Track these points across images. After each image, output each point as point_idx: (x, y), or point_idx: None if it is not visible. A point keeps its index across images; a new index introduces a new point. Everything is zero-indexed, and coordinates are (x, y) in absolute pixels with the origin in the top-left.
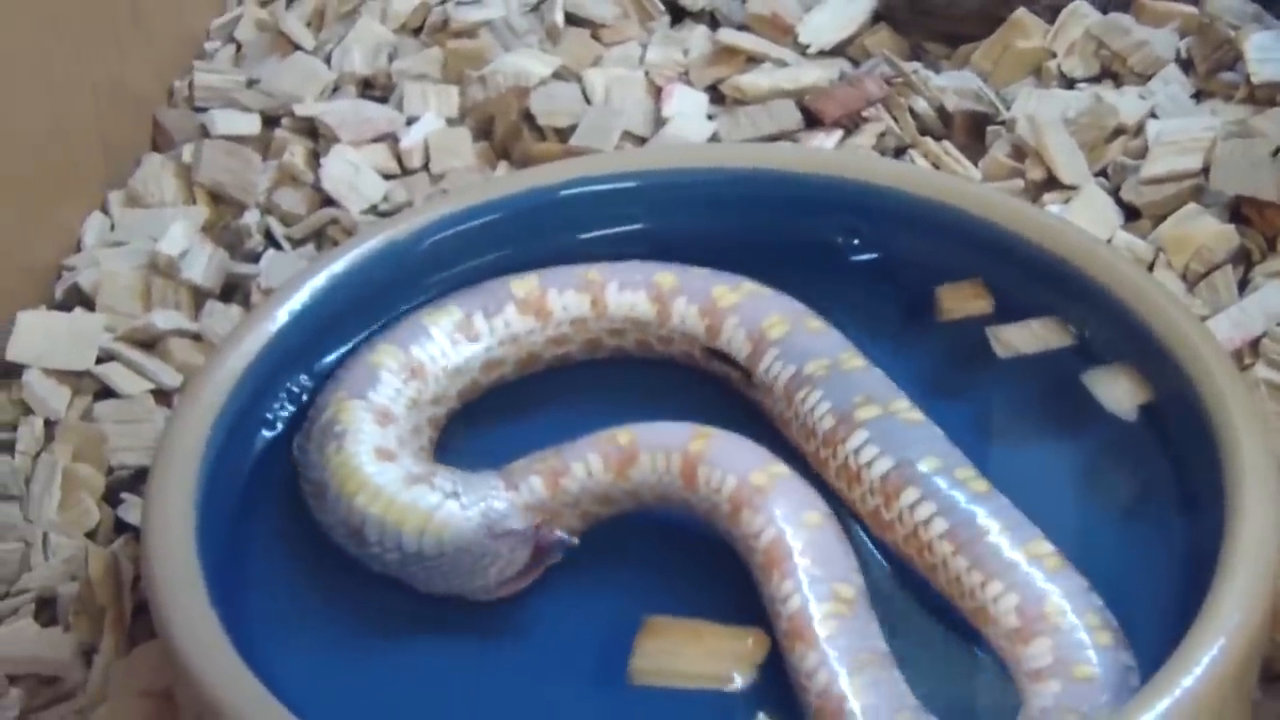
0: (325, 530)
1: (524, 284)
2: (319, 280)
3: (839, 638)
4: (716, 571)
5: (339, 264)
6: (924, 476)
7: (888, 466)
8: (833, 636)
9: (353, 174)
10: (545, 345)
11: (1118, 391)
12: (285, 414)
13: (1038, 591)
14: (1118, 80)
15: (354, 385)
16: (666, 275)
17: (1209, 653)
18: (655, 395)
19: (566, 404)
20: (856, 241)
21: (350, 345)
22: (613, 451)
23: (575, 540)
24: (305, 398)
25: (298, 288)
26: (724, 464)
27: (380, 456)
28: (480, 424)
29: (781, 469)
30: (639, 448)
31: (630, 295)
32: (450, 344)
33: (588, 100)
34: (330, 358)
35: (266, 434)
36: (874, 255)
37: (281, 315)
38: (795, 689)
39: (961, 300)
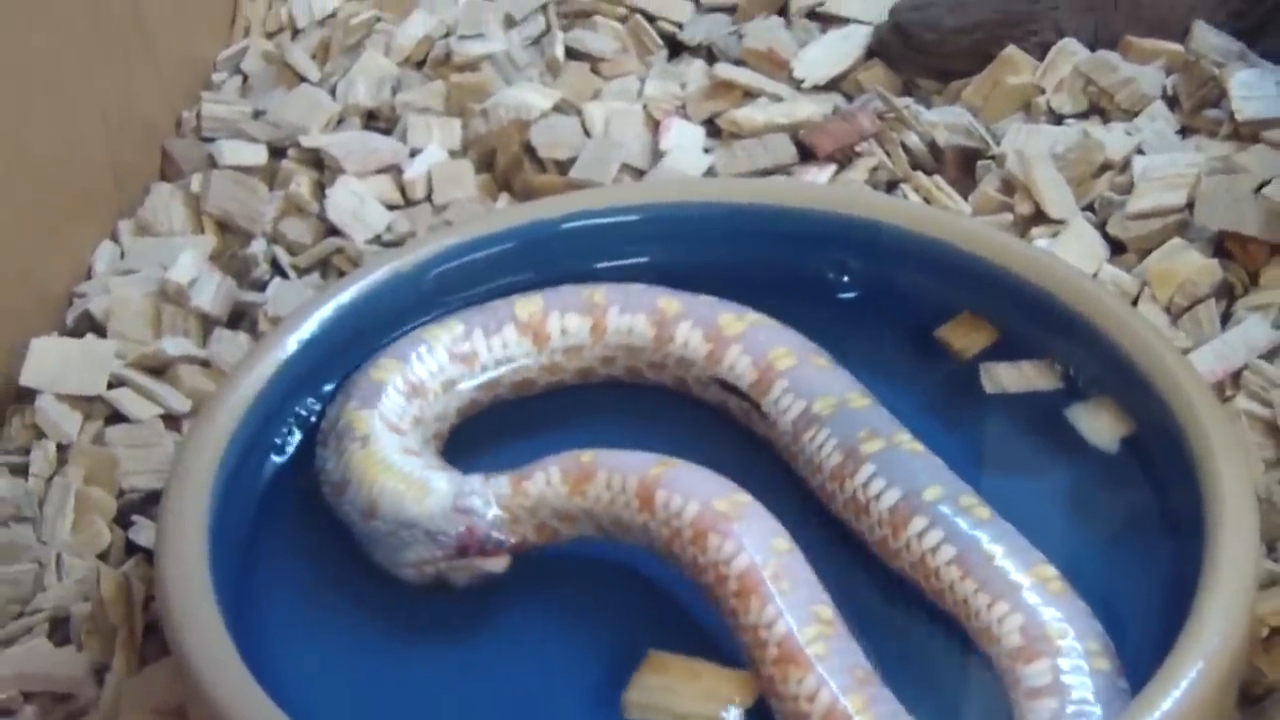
0: (340, 516)
1: (528, 305)
2: (326, 310)
3: (831, 657)
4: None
5: (346, 294)
6: (930, 505)
7: (895, 498)
8: (825, 656)
9: (357, 204)
10: (539, 372)
11: (1100, 425)
12: (295, 436)
13: (1042, 613)
14: (1105, 116)
15: (364, 397)
16: (671, 301)
17: (1189, 675)
18: (676, 421)
19: (577, 426)
20: (846, 277)
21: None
22: (573, 467)
23: (508, 540)
24: (316, 417)
25: (306, 316)
26: (685, 490)
27: (406, 453)
28: (486, 443)
29: (744, 497)
30: (597, 466)
31: (630, 318)
32: (449, 360)
33: (587, 133)
34: (336, 383)
35: (276, 458)
36: (865, 289)
37: (291, 344)
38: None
39: (967, 335)
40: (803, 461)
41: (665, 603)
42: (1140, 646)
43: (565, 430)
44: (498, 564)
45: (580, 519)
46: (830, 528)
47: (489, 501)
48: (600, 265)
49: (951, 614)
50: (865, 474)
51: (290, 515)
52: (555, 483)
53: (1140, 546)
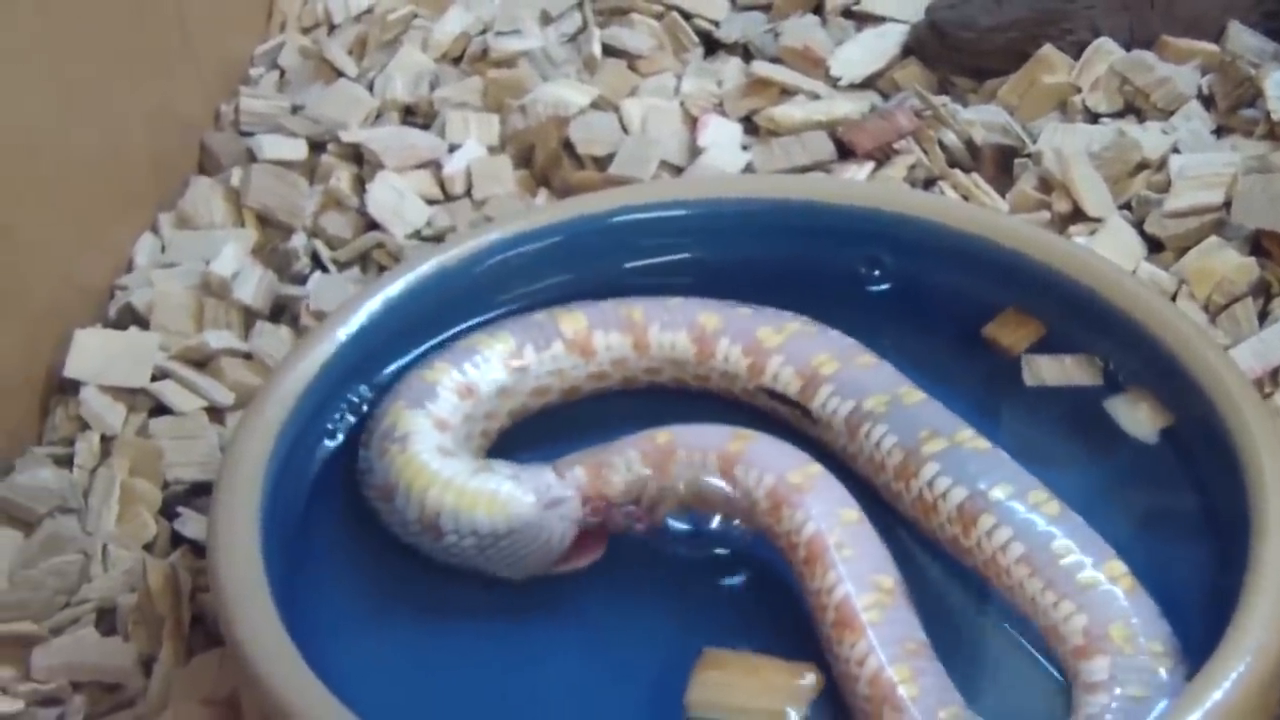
0: (396, 531)
1: (572, 322)
2: (375, 304)
3: (885, 626)
4: (776, 607)
5: (394, 288)
6: (998, 503)
7: (962, 496)
8: (879, 624)
9: (397, 199)
10: (586, 380)
11: (1141, 418)
12: (344, 428)
13: (1106, 614)
14: (1141, 115)
15: (412, 396)
16: (710, 316)
17: (1235, 671)
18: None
19: (623, 426)
20: (885, 274)
21: (402, 362)
22: (650, 449)
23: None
24: (364, 409)
25: (355, 309)
26: (761, 463)
27: (442, 454)
28: (534, 441)
29: (817, 468)
30: (676, 445)
31: (671, 335)
32: (503, 369)
33: (625, 130)
34: (383, 375)
35: (327, 446)
36: (905, 286)
37: (340, 335)
38: (843, 684)
39: (1013, 331)
40: (863, 462)
41: (720, 600)
42: (1184, 641)
43: (611, 429)
44: (596, 552)
45: (661, 496)
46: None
47: (571, 489)
48: (641, 263)
49: (1021, 612)
50: (929, 473)
51: (341, 507)
52: (636, 466)
53: (1182, 542)
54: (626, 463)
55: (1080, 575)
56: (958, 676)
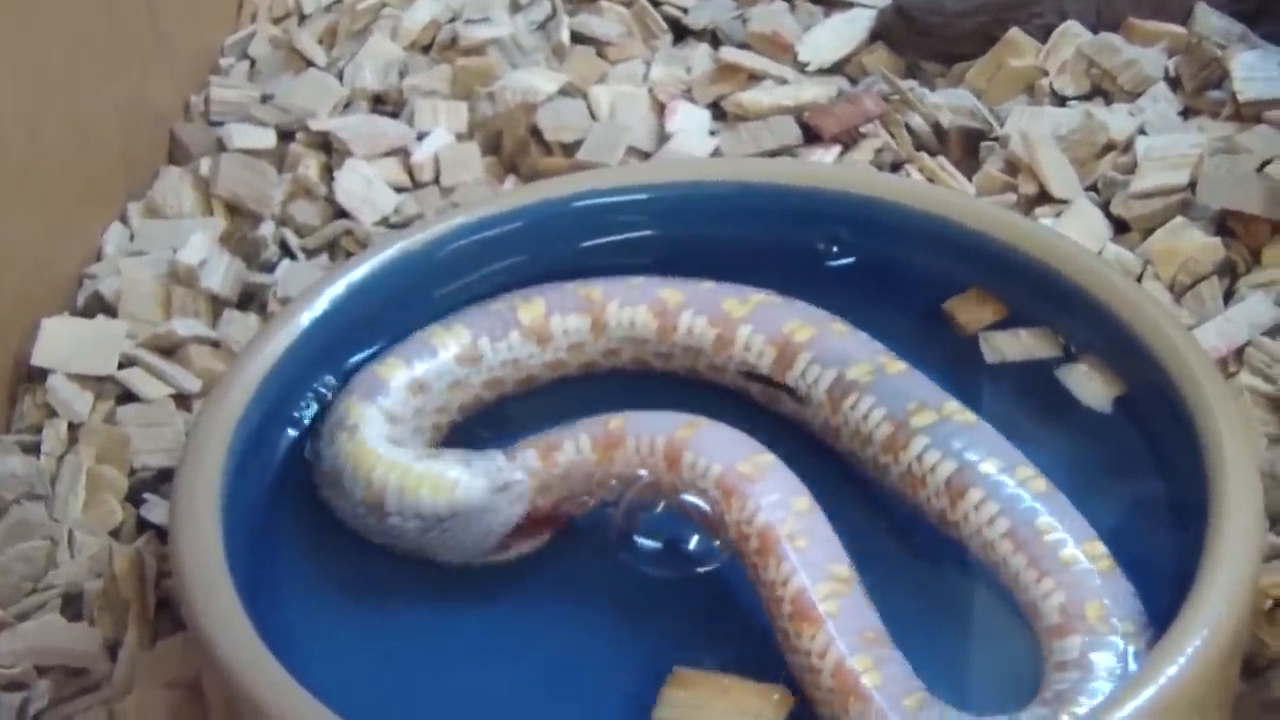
0: (344, 517)
1: (530, 309)
2: (339, 288)
3: (843, 616)
4: (746, 626)
5: (358, 272)
6: (987, 478)
7: (951, 470)
8: (836, 614)
9: (365, 187)
10: (543, 369)
11: (1099, 393)
12: (308, 415)
13: (1083, 593)
14: (1108, 98)
15: (364, 390)
16: (672, 291)
17: (1193, 644)
18: (691, 405)
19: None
20: (850, 255)
21: (368, 351)
22: (601, 433)
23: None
24: (327, 396)
25: (319, 294)
26: (710, 451)
27: (390, 442)
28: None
29: (768, 458)
30: (626, 431)
31: (630, 311)
32: (455, 364)
33: (593, 116)
34: (349, 361)
35: (291, 433)
36: (869, 266)
37: (304, 321)
38: (803, 677)
39: (973, 311)
40: (847, 434)
41: (689, 618)
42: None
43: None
44: (547, 532)
45: (610, 482)
46: (855, 486)
47: (523, 473)
48: (604, 241)
49: (1004, 586)
50: (918, 446)
51: (303, 492)
52: (585, 450)
53: (1143, 517)
54: (576, 445)
55: (1062, 553)
56: (922, 658)
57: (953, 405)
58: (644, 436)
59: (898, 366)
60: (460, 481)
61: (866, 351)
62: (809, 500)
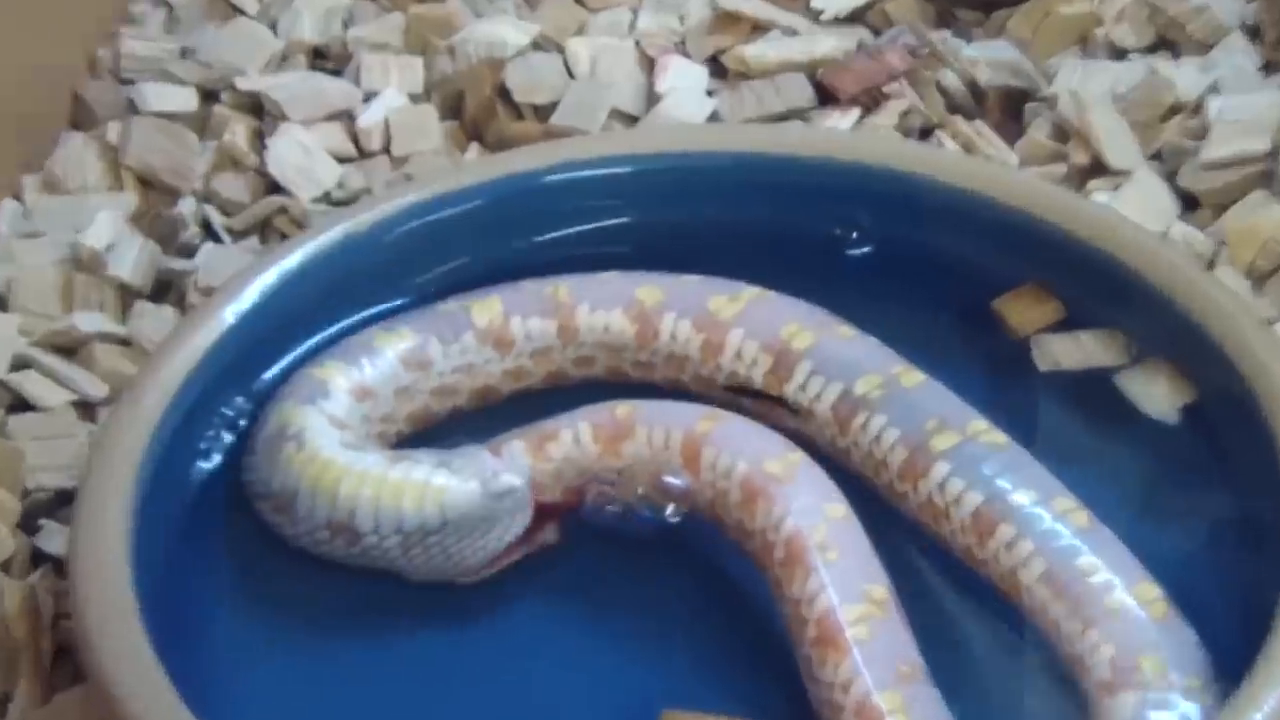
0: (302, 544)
1: (486, 309)
2: (270, 277)
3: (874, 643)
4: (736, 663)
5: (292, 259)
6: (1019, 511)
7: (977, 502)
8: (867, 642)
9: (303, 157)
10: (503, 378)
11: (1157, 392)
12: (235, 425)
13: (1136, 644)
14: (1175, 50)
15: (301, 395)
16: (650, 289)
17: (1270, 700)
18: None
19: None
20: (871, 241)
21: (306, 350)
22: (606, 422)
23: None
24: (259, 403)
25: (246, 285)
26: (733, 448)
27: (349, 447)
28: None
29: (798, 456)
30: (636, 421)
31: (604, 315)
32: (400, 367)
33: (571, 74)
34: (281, 362)
35: (216, 447)
36: (893, 256)
37: (228, 316)
38: (823, 712)
39: (1026, 310)
40: (859, 458)
41: (678, 661)
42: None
43: None
44: (551, 534)
45: (555, 483)
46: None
47: (521, 472)
48: (588, 226)
49: (1043, 636)
50: (939, 473)
51: (227, 517)
52: (586, 441)
53: (1212, 547)
54: (575, 435)
55: (1109, 598)
56: (961, 705)
57: (979, 424)
58: (657, 428)
59: (914, 378)
60: (449, 487)
61: (877, 360)
62: (845, 507)
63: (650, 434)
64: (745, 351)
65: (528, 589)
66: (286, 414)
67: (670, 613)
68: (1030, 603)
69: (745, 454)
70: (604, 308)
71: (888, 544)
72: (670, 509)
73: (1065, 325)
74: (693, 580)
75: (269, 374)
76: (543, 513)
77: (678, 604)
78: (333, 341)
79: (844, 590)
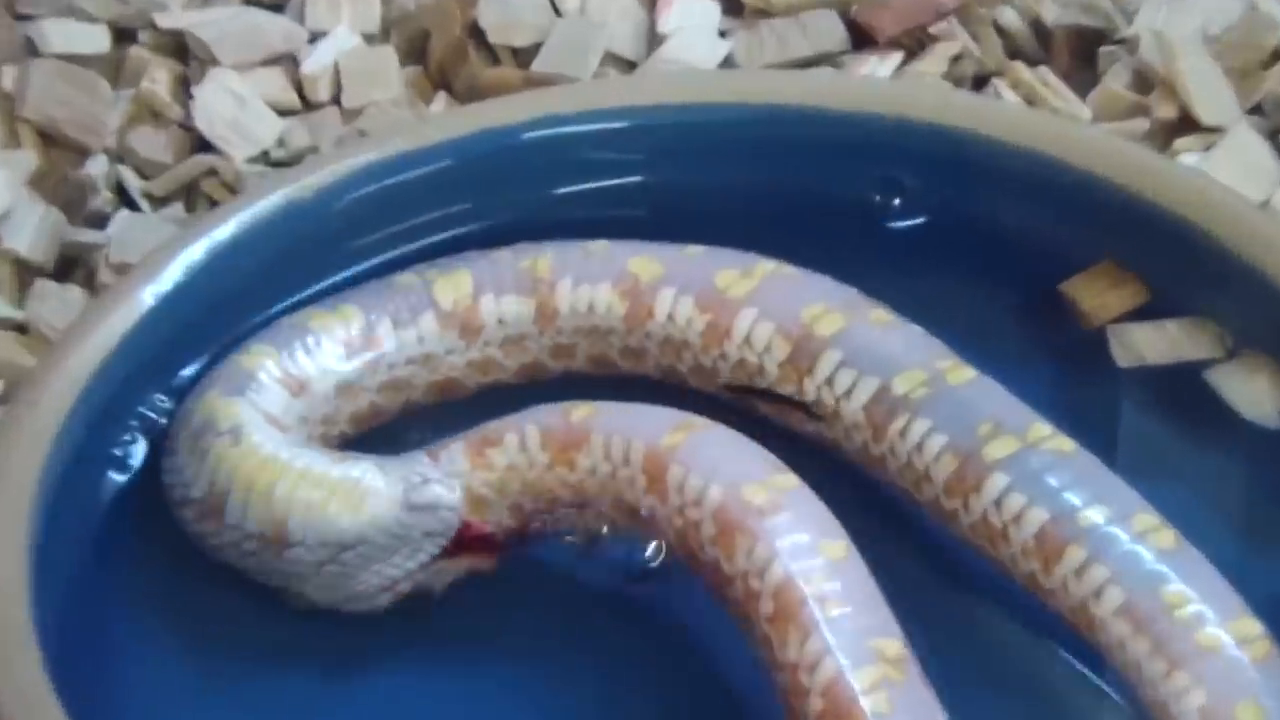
0: (225, 555)
1: (451, 286)
2: (196, 253)
3: (897, 714)
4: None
5: (223, 231)
6: (1093, 531)
7: (1042, 520)
8: (887, 714)
9: (236, 109)
10: (468, 370)
11: (1257, 391)
12: (154, 426)
13: (1232, 689)
14: None
15: (227, 385)
16: (646, 261)
17: None
18: None
19: None
20: (913, 210)
21: (238, 337)
22: (558, 426)
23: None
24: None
25: (168, 263)
26: (707, 467)
27: (290, 444)
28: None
29: (788, 479)
30: (592, 427)
31: (588, 291)
32: (343, 356)
33: (556, 10)
34: (211, 352)
35: (132, 451)
36: (940, 227)
37: (146, 299)
38: None
39: (1102, 294)
40: (895, 468)
41: (655, 688)
42: None
43: None
44: (487, 562)
45: (562, 496)
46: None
47: (452, 485)
48: (570, 189)
49: (1122, 678)
50: (996, 487)
51: (146, 534)
52: (533, 446)
53: None
54: (520, 440)
55: (1200, 634)
56: None
57: (1042, 429)
58: (617, 437)
59: (963, 374)
60: (372, 491)
61: (921, 353)
62: (845, 544)
63: (608, 443)
64: (757, 336)
65: (461, 630)
66: (214, 407)
67: (633, 673)
68: (1106, 639)
69: (722, 475)
70: (590, 282)
71: (900, 585)
72: (651, 548)
73: (1148, 312)
74: (663, 631)
75: (194, 368)
76: (482, 544)
77: (643, 663)
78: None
79: (852, 651)
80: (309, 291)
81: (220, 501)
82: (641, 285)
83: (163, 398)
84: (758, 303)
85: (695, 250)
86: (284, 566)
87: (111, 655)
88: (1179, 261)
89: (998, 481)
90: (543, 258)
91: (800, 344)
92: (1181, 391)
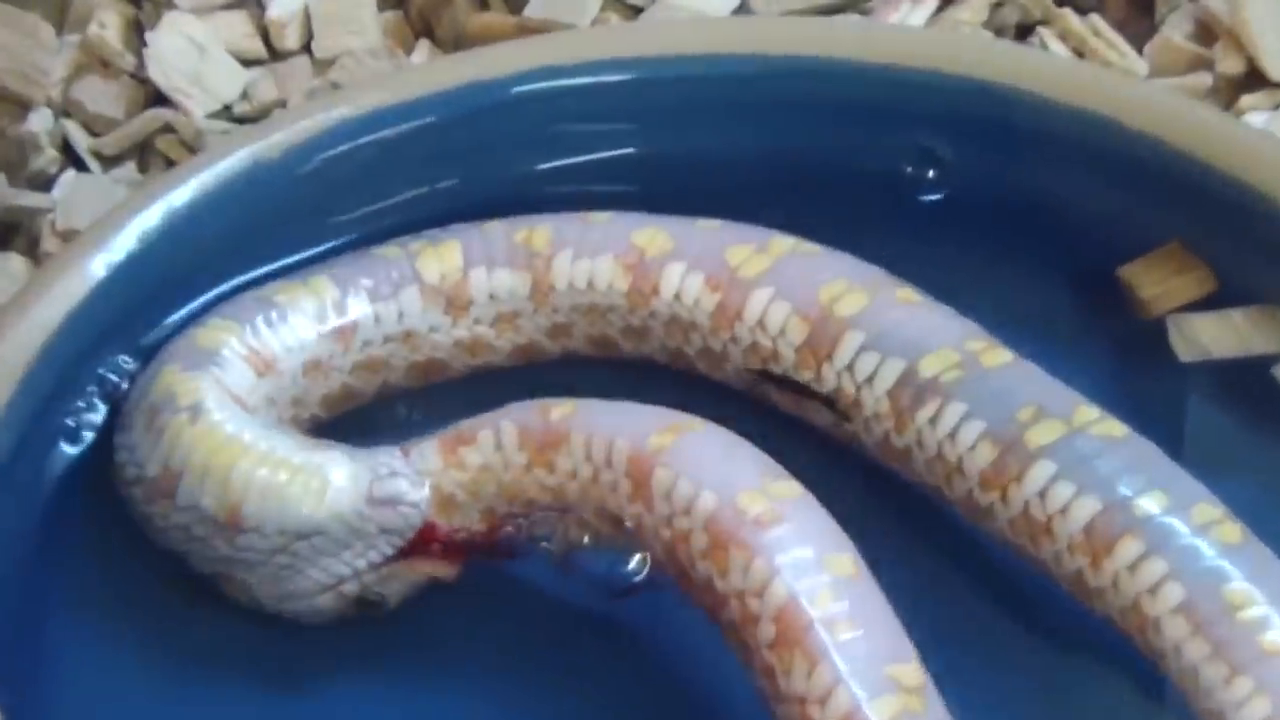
0: (171, 540)
1: (438, 257)
2: (151, 218)
3: None
4: None
5: (180, 193)
6: (1148, 521)
7: (1094, 510)
8: None
9: (195, 58)
10: (453, 352)
11: None
12: (98, 416)
13: None
14: None
15: (189, 360)
16: (653, 233)
17: None
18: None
19: None
20: (947, 177)
21: (196, 312)
22: (536, 425)
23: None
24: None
25: (119, 229)
26: (698, 472)
27: (257, 424)
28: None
29: (789, 487)
30: (572, 426)
31: (588, 265)
32: (313, 333)
33: None
34: (164, 329)
35: (81, 436)
36: (977, 196)
37: (96, 269)
38: None
39: (1165, 280)
40: (925, 463)
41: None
42: None
43: None
44: (448, 569)
45: (541, 500)
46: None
47: (419, 482)
48: (569, 161)
49: (1176, 683)
50: (1041, 476)
51: (91, 524)
52: (509, 445)
53: None
54: (496, 438)
55: (1264, 637)
56: None
57: (1089, 412)
58: (599, 436)
59: (999, 356)
60: (334, 481)
61: (951, 333)
62: (854, 559)
63: (589, 444)
64: (772, 318)
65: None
66: (173, 383)
67: (615, 702)
68: (1159, 642)
69: (714, 481)
70: (590, 255)
71: (919, 598)
72: (635, 561)
73: (1211, 300)
74: (649, 657)
75: (148, 344)
76: (446, 548)
77: (626, 691)
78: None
79: (867, 680)
80: (277, 262)
81: (174, 481)
82: (647, 259)
83: (113, 377)
84: (773, 282)
85: (708, 224)
86: (233, 554)
87: (50, 652)
88: (1245, 238)
89: (1043, 469)
90: (540, 229)
91: (819, 326)
92: (1249, 387)
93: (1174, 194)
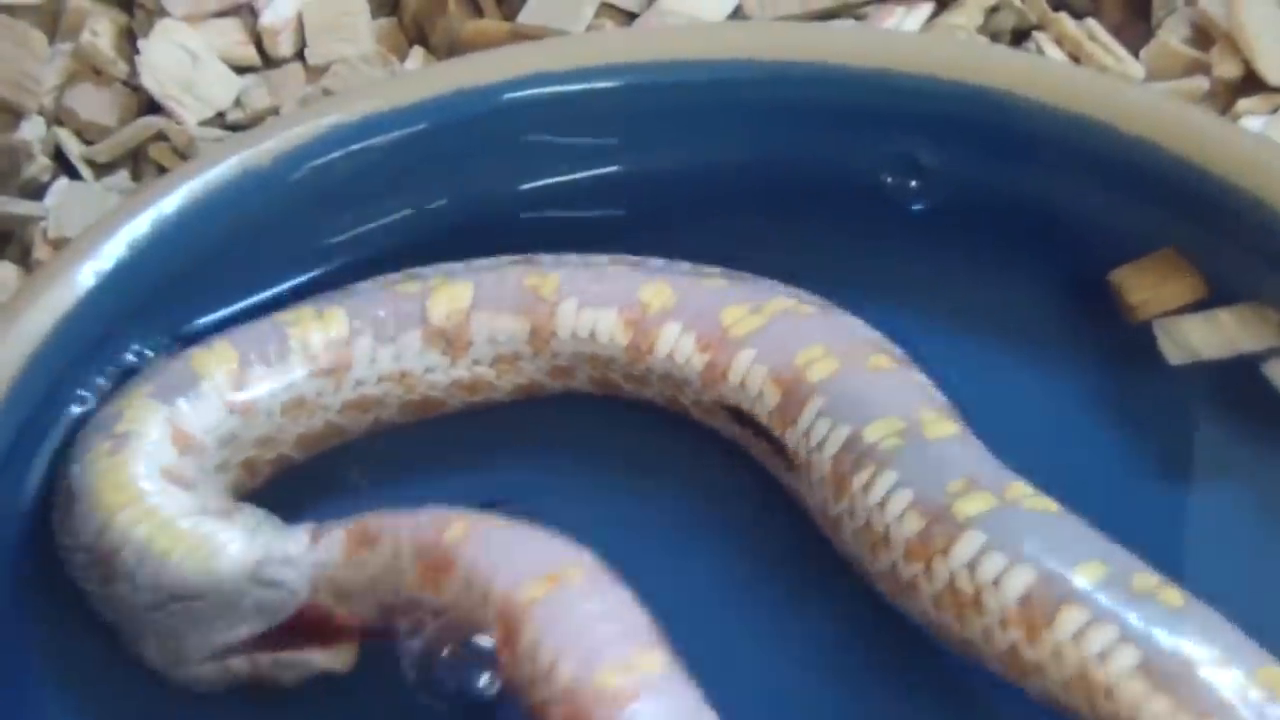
0: (61, 555)
1: (447, 297)
2: (141, 225)
3: None
4: None
5: (170, 201)
6: (1089, 590)
7: (1028, 580)
8: None
9: (188, 65)
10: (452, 389)
11: None
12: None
13: None
14: None
15: (163, 384)
16: (659, 289)
17: None
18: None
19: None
20: (942, 185)
21: (189, 324)
22: (430, 543)
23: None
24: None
25: (109, 236)
26: (562, 637)
27: (167, 477)
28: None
29: (656, 659)
30: (458, 556)
31: (591, 316)
32: (307, 370)
33: None
34: (155, 339)
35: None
36: (970, 203)
37: (85, 277)
38: None
39: (1154, 285)
40: (853, 532)
41: None
42: None
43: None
44: (335, 658)
45: (435, 614)
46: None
47: (307, 573)
48: (560, 157)
49: None
50: (970, 547)
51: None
52: (405, 560)
53: None
54: (395, 549)
55: (1225, 688)
56: None
57: (1023, 488)
58: (479, 574)
59: (944, 428)
60: (228, 549)
61: (904, 401)
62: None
63: (470, 578)
64: (751, 380)
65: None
66: (128, 405)
67: None
68: (1113, 707)
69: (575, 651)
70: (595, 306)
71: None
72: (484, 679)
73: (1207, 306)
74: None
75: (137, 357)
76: (334, 631)
77: None
78: (223, 317)
79: None
80: (270, 270)
81: (71, 501)
82: (648, 316)
83: (104, 380)
84: (757, 343)
85: (715, 280)
86: (109, 598)
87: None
88: (1239, 242)
89: (972, 540)
90: (551, 276)
91: (790, 390)
92: (1240, 388)
93: (1170, 199)
